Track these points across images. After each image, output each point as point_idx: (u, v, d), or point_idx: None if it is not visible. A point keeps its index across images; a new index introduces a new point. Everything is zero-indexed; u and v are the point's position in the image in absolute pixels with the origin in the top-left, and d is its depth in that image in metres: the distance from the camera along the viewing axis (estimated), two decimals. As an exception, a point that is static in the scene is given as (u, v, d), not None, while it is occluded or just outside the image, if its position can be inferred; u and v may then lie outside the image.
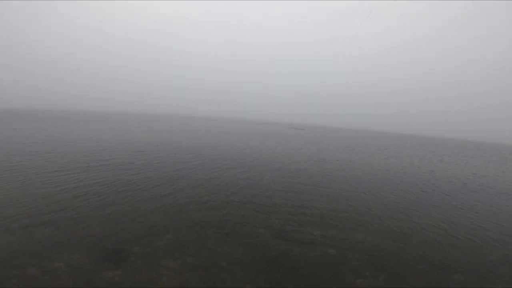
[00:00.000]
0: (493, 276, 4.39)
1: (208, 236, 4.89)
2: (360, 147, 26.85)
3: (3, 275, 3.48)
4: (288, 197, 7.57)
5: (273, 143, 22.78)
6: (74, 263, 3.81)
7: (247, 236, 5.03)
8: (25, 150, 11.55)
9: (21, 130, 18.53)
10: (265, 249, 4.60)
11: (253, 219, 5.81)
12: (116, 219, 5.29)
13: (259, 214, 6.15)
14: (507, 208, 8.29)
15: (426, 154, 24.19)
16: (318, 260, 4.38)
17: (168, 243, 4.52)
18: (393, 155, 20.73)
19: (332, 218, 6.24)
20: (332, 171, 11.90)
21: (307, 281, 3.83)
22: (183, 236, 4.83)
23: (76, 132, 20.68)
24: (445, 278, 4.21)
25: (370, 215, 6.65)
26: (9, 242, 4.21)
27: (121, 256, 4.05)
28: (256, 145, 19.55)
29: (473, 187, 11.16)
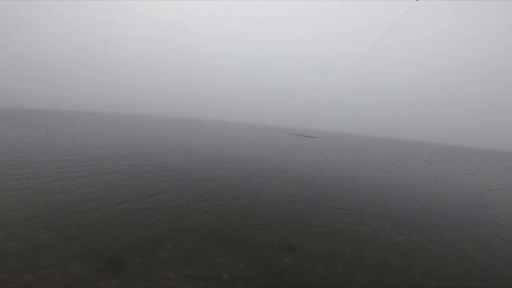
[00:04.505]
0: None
1: (209, 247, 4.72)
2: (371, 154, 26.41)
3: (-2, 280, 3.37)
4: (295, 209, 7.37)
5: (278, 149, 22.56)
6: (71, 270, 3.68)
7: (251, 248, 4.84)
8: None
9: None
10: (269, 262, 4.40)
11: (257, 231, 5.62)
12: (117, 226, 5.17)
13: (264, 225, 5.96)
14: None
15: (439, 163, 23.55)
16: (324, 276, 4.16)
17: (169, 253, 4.37)
18: (403, 164, 20.27)
19: (340, 232, 6.01)
20: (340, 181, 11.64)
21: (313, 299, 3.62)
22: (184, 246, 4.67)
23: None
24: (461, 301, 3.95)
25: (379, 229, 6.39)
26: (8, 247, 4.12)
27: (119, 265, 3.91)
28: (266, 153, 19.41)
29: (491, 201, 10.75)
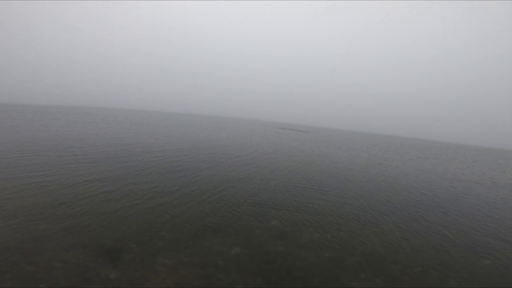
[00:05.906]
0: (488, 280, 4.42)
1: (204, 236, 4.89)
2: (368, 148, 26.91)
3: (-1, 270, 3.47)
4: (287, 198, 7.59)
5: (267, 139, 22.83)
6: (70, 260, 3.79)
7: (245, 236, 5.03)
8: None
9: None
10: (262, 249, 4.60)
11: (251, 219, 5.82)
12: (114, 215, 5.28)
13: (258, 214, 6.16)
14: (507, 214, 8.33)
15: (427, 157, 24.29)
16: (315, 262, 4.39)
17: (165, 241, 4.52)
18: (395, 157, 20.78)
19: (331, 221, 6.25)
20: (334, 172, 11.92)
21: (303, 282, 3.84)
22: (180, 234, 4.83)
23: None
24: (441, 281, 4.23)
25: (368, 218, 6.67)
26: (6, 238, 4.20)
27: (118, 253, 4.04)
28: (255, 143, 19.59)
29: (478, 192, 11.21)
